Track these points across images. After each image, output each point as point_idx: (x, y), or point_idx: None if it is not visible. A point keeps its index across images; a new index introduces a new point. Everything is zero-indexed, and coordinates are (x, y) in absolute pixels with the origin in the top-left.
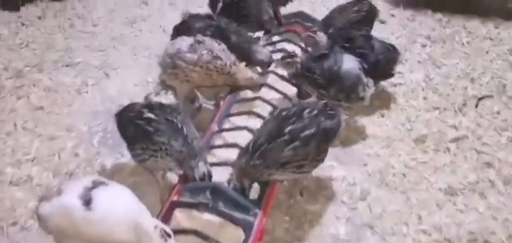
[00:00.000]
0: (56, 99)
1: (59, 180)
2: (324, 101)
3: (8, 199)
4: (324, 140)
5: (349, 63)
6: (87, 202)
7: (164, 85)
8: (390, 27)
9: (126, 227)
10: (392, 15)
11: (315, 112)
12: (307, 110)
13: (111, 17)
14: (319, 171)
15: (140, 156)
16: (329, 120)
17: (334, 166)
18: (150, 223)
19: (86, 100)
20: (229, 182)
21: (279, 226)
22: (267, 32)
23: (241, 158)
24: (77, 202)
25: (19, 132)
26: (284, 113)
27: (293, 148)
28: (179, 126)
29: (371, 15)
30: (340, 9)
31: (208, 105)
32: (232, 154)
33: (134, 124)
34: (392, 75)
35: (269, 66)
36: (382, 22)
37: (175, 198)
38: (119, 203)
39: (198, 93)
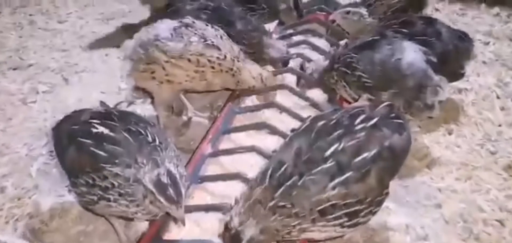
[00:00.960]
0: None
1: None
2: (386, 103)
3: None
4: (390, 167)
5: (412, 54)
6: None
7: (138, 92)
8: None
9: None
10: (437, 10)
11: (374, 120)
12: (360, 118)
13: (83, 13)
14: None
15: (86, 196)
16: (397, 134)
17: (390, 208)
18: None
19: (32, 113)
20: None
21: None
22: (282, 23)
23: (250, 187)
24: None
25: None
26: (321, 122)
27: (342, 183)
28: (150, 138)
29: (419, 2)
30: None
31: (201, 117)
32: (231, 190)
33: (76, 144)
34: (462, 75)
35: (285, 65)
36: None
37: None
38: None
39: (186, 101)
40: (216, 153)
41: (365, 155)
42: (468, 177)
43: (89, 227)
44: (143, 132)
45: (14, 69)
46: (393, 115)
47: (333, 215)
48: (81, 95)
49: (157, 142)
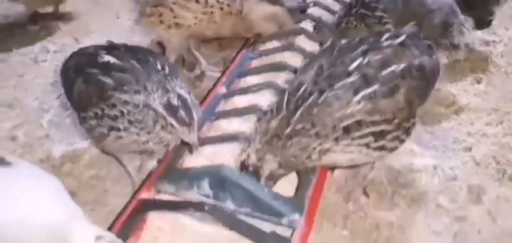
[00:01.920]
0: (2, 68)
1: None
2: (413, 22)
3: None
4: (419, 87)
5: None
6: None
7: (150, 47)
8: None
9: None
10: None
11: (401, 38)
12: (386, 36)
13: None
14: (392, 156)
15: (95, 130)
16: (427, 55)
17: (415, 151)
18: (87, 233)
19: (43, 71)
20: (242, 164)
21: None
22: None
23: (267, 120)
24: None
25: None
26: (343, 41)
27: (369, 97)
28: (159, 66)
29: None
30: None
31: (214, 71)
32: (246, 127)
33: (83, 74)
34: (489, 23)
35: (303, 12)
36: None
37: (145, 194)
38: (24, 198)
39: (199, 55)
40: (230, 93)
41: (393, 68)
42: (500, 121)
43: (101, 171)
44: (151, 59)
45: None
46: (421, 36)
47: (359, 133)
48: None
49: (167, 71)
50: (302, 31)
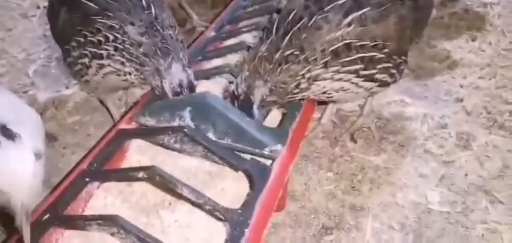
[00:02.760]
0: None
1: None
2: None
3: None
4: (412, 18)
5: None
6: None
7: None
8: None
9: None
10: None
11: None
12: None
13: None
14: (382, 105)
15: (77, 62)
16: None
17: (406, 102)
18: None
19: (33, 25)
20: (227, 90)
21: (316, 188)
22: None
23: (255, 46)
24: None
25: None
26: None
27: (358, 19)
28: (144, 3)
29: None
30: None
31: (205, 27)
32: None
33: (68, 4)
34: None
35: None
36: None
37: (125, 125)
38: None
39: (190, 10)
40: (219, 37)
41: None
42: (493, 75)
43: (85, 117)
44: None
45: None
46: None
47: (348, 59)
48: None
49: (153, 11)
50: None
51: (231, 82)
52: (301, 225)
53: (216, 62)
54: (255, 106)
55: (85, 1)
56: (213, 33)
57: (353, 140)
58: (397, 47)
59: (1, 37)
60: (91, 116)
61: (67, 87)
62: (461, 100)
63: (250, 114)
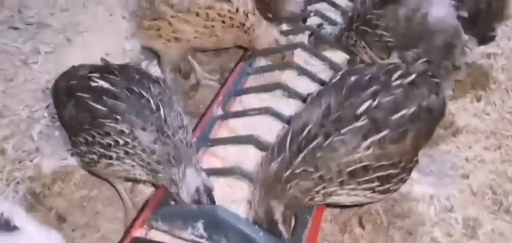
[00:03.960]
0: None
1: None
2: (423, 60)
3: None
4: (426, 129)
5: (441, 9)
6: None
7: (144, 50)
8: None
9: None
10: None
11: (412, 77)
12: (397, 74)
13: None
14: None
15: (86, 156)
16: (435, 94)
17: (414, 178)
18: None
19: (34, 74)
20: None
21: None
22: None
23: (269, 164)
24: None
25: None
26: (354, 77)
27: (377, 143)
28: (153, 105)
29: None
30: None
31: (210, 80)
32: (243, 155)
33: (75, 99)
34: (492, 39)
35: (304, 21)
36: None
37: (138, 231)
38: None
39: (195, 63)
40: (226, 115)
41: (403, 112)
42: (498, 146)
43: (92, 192)
44: (146, 91)
45: (15, 28)
46: (430, 73)
47: (365, 178)
48: (84, 56)
49: (162, 112)
50: (302, 45)
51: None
52: None
53: (224, 152)
54: (280, 226)
55: (92, 103)
56: (220, 111)
57: (361, 225)
58: (412, 158)
59: (2, 89)
60: (99, 189)
61: (72, 154)
62: (467, 177)
63: (278, 232)
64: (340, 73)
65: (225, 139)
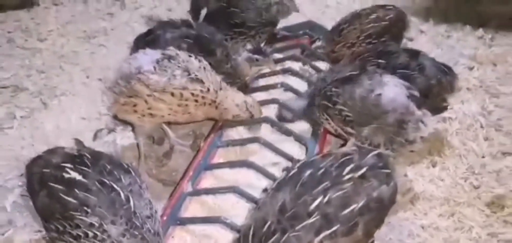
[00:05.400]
0: None
1: None
2: (376, 152)
3: None
4: (376, 218)
5: (393, 89)
6: None
7: (119, 119)
8: (420, 45)
9: None
10: (422, 31)
11: (362, 170)
12: (349, 168)
13: (64, 31)
14: None
15: (58, 241)
16: (385, 185)
17: None
18: None
19: (9, 140)
20: None
21: None
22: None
23: None
24: None
25: None
26: (307, 172)
27: (329, 237)
28: (123, 197)
29: (398, 26)
30: (353, 18)
31: (183, 146)
32: (212, 231)
33: (47, 188)
34: (445, 109)
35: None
36: (410, 39)
37: None
38: None
39: (168, 130)
40: (196, 192)
41: (352, 207)
42: (451, 213)
43: None
44: (114, 185)
45: None
46: (381, 165)
47: None
48: (60, 120)
49: (132, 204)
50: (267, 120)
51: None
52: None
53: (194, 229)
54: None
55: (63, 196)
56: (189, 188)
57: None
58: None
59: None
60: None
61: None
62: None
63: None
64: (297, 165)
65: (194, 219)
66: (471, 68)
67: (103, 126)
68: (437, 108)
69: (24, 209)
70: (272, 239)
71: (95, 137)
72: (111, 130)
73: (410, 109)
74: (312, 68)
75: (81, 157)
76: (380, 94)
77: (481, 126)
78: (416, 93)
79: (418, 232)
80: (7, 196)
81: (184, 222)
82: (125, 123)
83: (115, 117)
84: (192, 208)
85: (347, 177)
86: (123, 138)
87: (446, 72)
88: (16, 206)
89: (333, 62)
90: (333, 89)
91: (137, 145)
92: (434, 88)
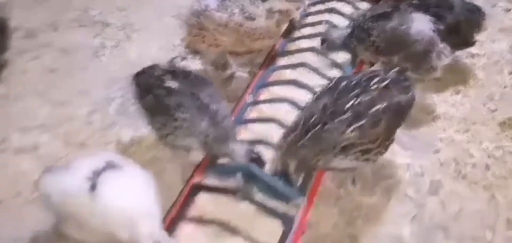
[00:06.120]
0: (70, 61)
1: (69, 151)
2: (396, 68)
3: (12, 168)
4: (396, 118)
5: (420, 24)
6: (92, 187)
7: (191, 49)
8: None
9: (122, 225)
10: None
11: (386, 82)
12: (375, 80)
13: None
14: None
15: (159, 131)
16: (404, 94)
17: (396, 151)
18: (147, 230)
19: (104, 64)
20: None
21: (325, 220)
22: None
23: (287, 137)
24: (83, 184)
25: (29, 96)
26: (343, 83)
27: (359, 128)
28: (205, 103)
29: None
30: None
31: (243, 73)
32: (270, 131)
33: (152, 94)
34: (472, 44)
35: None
36: None
37: (197, 179)
38: (124, 195)
39: (231, 59)
40: (256, 102)
41: (377, 107)
42: (466, 129)
43: (159, 153)
44: (200, 94)
45: (83, 26)
46: (402, 78)
47: (351, 151)
48: (141, 50)
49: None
50: (313, 49)
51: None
52: None
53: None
54: (293, 177)
55: (165, 99)
56: (251, 99)
57: (353, 183)
58: (386, 138)
59: (80, 75)
60: (163, 151)
61: (142, 126)
62: (438, 152)
63: (291, 182)
64: (334, 79)
65: (255, 119)
66: (508, 10)
67: (177, 55)
68: (466, 42)
69: (125, 114)
70: (317, 128)
71: (169, 63)
72: (183, 58)
73: (434, 40)
74: (354, 8)
75: (175, 72)
76: (409, 27)
77: (508, 62)
78: (441, 27)
79: (435, 143)
80: (110, 104)
81: (247, 122)
82: (195, 52)
83: (187, 47)
84: (253, 115)
85: (374, 86)
86: (194, 65)
87: (474, 11)
88: (117, 111)
89: (373, 2)
90: (369, 23)
91: (205, 70)
92: (462, 25)
